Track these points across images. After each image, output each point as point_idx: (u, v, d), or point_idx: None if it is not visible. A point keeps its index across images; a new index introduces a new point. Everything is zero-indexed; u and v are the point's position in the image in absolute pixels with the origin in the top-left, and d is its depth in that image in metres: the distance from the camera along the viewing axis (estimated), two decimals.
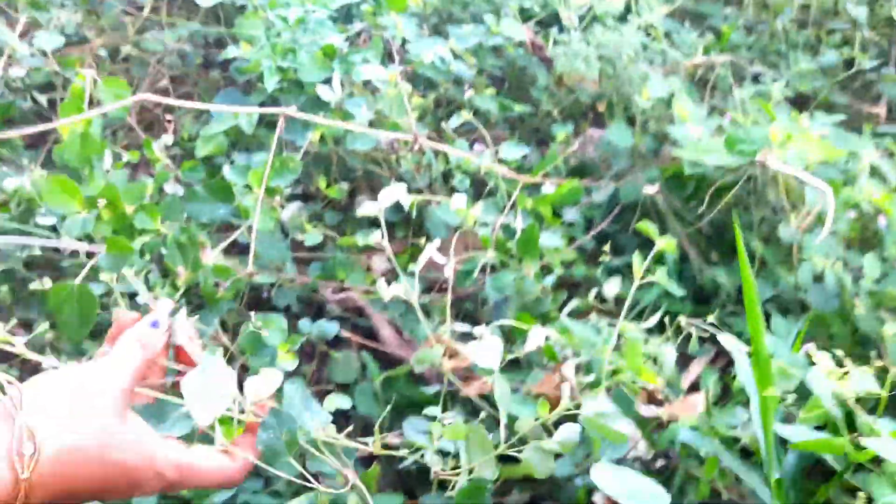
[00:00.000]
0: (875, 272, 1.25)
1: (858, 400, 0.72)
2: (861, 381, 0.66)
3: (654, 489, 0.58)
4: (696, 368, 1.43)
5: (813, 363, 0.72)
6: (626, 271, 1.38)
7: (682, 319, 1.09)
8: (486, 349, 1.02)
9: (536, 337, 1.00)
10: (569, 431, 0.83)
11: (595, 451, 0.97)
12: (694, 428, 1.05)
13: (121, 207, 1.16)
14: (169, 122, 1.48)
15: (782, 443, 0.82)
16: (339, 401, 0.99)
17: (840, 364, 0.82)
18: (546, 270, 1.48)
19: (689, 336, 1.48)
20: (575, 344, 1.08)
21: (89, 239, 1.16)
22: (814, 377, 0.66)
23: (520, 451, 0.87)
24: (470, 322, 1.42)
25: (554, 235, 1.34)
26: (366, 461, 1.13)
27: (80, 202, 1.13)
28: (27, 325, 1.24)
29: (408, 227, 1.48)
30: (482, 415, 1.11)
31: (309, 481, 0.85)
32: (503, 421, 0.94)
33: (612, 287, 1.34)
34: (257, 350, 1.04)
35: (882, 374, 1.20)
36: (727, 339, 0.85)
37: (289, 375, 1.14)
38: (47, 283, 1.05)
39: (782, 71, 1.84)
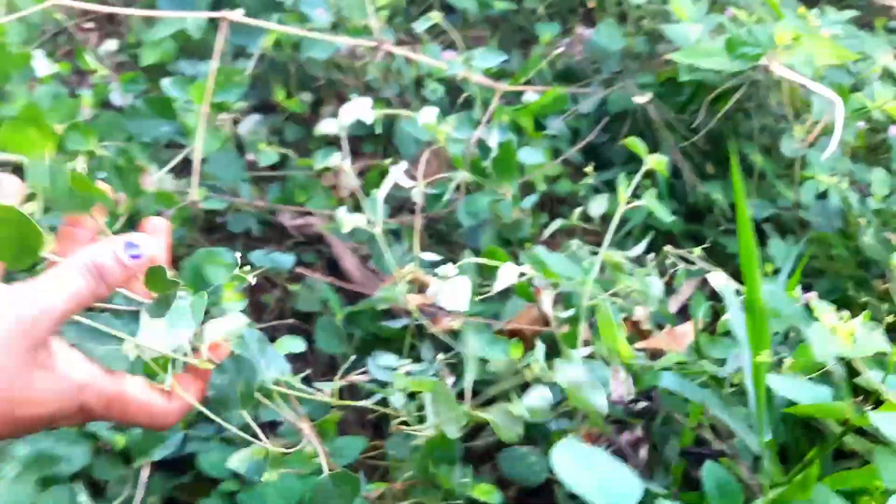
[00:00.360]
0: (883, 189, 1.14)
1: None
2: (869, 339, 0.57)
3: (626, 478, 0.50)
4: (685, 292, 1.34)
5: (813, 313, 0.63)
6: (614, 187, 1.27)
7: (669, 249, 0.99)
8: (452, 290, 0.93)
9: (507, 275, 0.91)
10: (538, 397, 0.75)
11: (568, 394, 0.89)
12: (681, 364, 0.97)
13: (47, 127, 1.04)
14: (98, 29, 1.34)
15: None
16: (293, 344, 0.90)
17: (846, 304, 0.72)
18: (528, 188, 1.37)
19: (682, 257, 1.39)
20: (551, 276, 0.98)
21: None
22: (815, 334, 0.57)
23: (486, 408, 0.79)
24: (444, 248, 1.33)
25: (535, 151, 1.22)
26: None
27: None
28: None
29: (377, 142, 1.36)
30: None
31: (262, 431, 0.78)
32: (469, 381, 0.86)
33: (598, 206, 1.23)
34: (200, 287, 0.94)
35: (886, 300, 1.11)
36: (717, 279, 0.76)
37: (251, 306, 1.05)
38: None
39: None
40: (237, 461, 0.85)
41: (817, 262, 1.23)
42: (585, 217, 1.23)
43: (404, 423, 0.88)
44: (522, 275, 0.95)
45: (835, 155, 1.19)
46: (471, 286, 0.88)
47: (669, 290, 1.29)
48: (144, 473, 0.86)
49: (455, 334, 1.08)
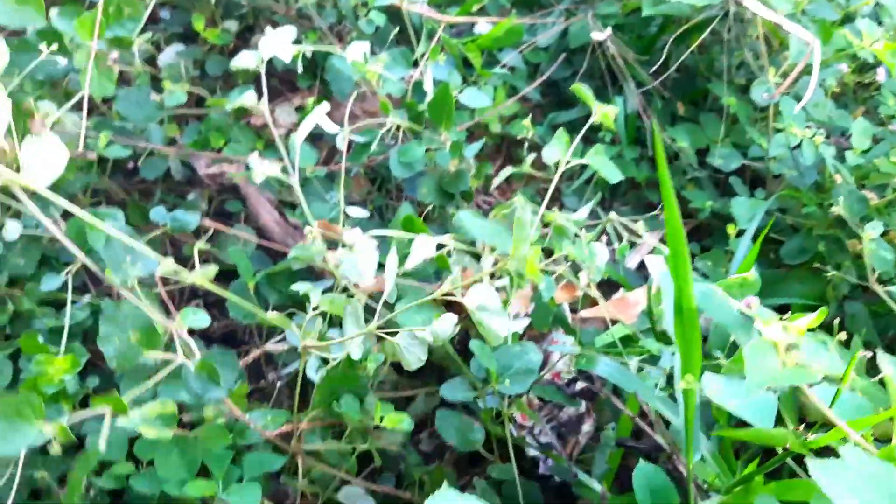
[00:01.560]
0: (864, 142, 1.03)
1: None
2: (817, 356, 0.47)
3: None
4: (647, 244, 1.24)
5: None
6: (575, 126, 1.15)
7: (613, 217, 0.88)
8: (357, 262, 0.83)
9: (422, 248, 0.80)
10: (444, 323, 0.68)
11: (493, 379, 0.80)
12: (627, 339, 0.88)
13: None
14: None
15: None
16: (196, 318, 0.81)
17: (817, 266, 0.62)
18: (482, 131, 1.25)
19: (646, 205, 1.28)
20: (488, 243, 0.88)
21: None
22: (752, 356, 0.47)
23: (392, 336, 0.71)
24: (386, 196, 1.21)
25: (482, 92, 1.09)
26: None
27: None
28: None
29: (313, 77, 1.23)
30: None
31: None
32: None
33: (552, 153, 1.11)
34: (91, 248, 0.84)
35: (858, 267, 1.01)
36: (655, 265, 0.65)
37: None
38: None
39: None
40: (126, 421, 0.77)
41: (789, 218, 1.13)
42: (540, 165, 1.12)
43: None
44: (442, 246, 0.85)
45: (813, 101, 1.07)
46: (376, 258, 0.78)
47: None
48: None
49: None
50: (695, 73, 1.28)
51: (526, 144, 1.18)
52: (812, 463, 0.43)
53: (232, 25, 1.19)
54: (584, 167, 1.27)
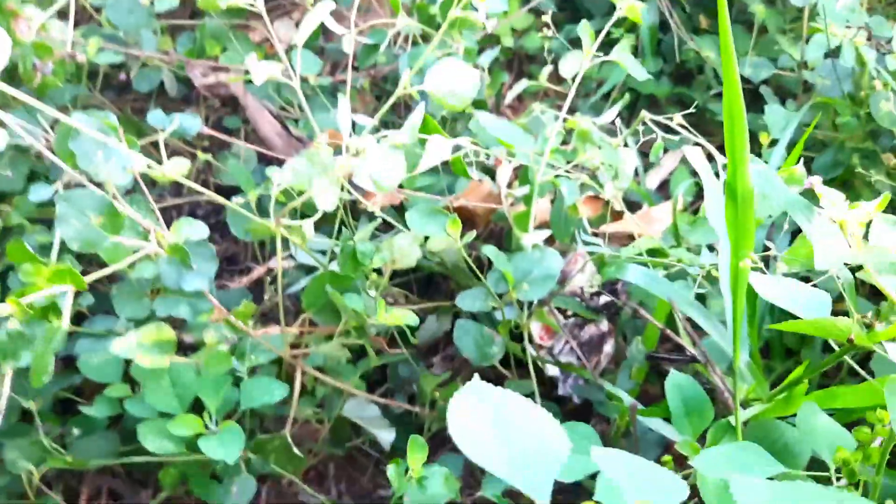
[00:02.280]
0: None
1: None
2: (888, 237, 0.42)
3: (548, 437, 0.36)
4: (666, 165, 1.18)
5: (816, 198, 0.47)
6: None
7: (646, 116, 0.82)
8: (373, 166, 0.77)
9: (438, 149, 0.74)
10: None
11: (510, 286, 0.75)
12: (654, 252, 0.83)
13: None
14: None
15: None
16: (193, 230, 0.75)
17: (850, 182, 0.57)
18: (492, 43, 1.18)
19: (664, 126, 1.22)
20: (507, 146, 0.82)
21: None
22: (817, 233, 0.42)
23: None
24: (394, 111, 1.15)
25: None
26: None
27: None
28: None
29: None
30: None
31: None
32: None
33: (569, 64, 1.05)
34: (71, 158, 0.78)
35: (893, 181, 0.96)
36: (695, 155, 0.60)
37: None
38: None
39: None
40: (120, 347, 0.72)
41: (820, 132, 1.07)
42: (557, 78, 1.05)
43: None
44: (458, 148, 0.79)
45: (849, 5, 1.00)
46: (396, 161, 0.72)
47: (649, 164, 1.13)
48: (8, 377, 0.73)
49: (396, 210, 0.93)
50: None
51: (546, 56, 1.11)
52: (890, 345, 0.38)
53: None
54: (600, 84, 1.21)
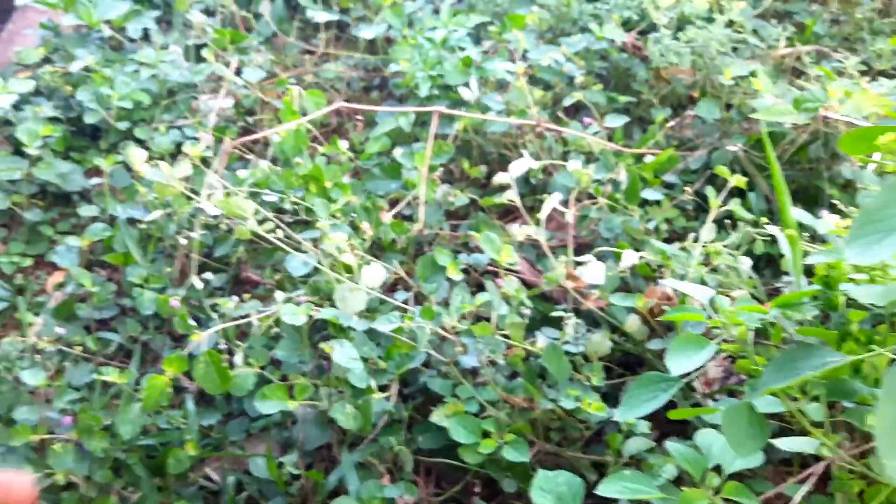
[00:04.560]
0: None
1: None
2: None
3: None
4: None
5: None
6: (720, 224, 1.66)
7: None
8: (593, 268, 1.36)
9: (630, 257, 1.33)
10: None
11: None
12: None
13: (322, 183, 1.59)
14: (352, 126, 1.91)
15: None
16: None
17: None
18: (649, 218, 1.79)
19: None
20: (667, 262, 1.39)
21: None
22: None
23: None
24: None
25: (655, 191, 1.66)
26: None
27: (297, 182, 1.57)
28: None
29: (534, 196, 1.83)
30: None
31: None
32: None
33: (706, 232, 1.64)
34: (430, 273, 1.42)
35: None
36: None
37: None
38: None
39: (861, 54, 2.08)
40: None
41: None
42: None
43: None
44: (641, 257, 1.38)
45: None
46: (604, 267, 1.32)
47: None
48: None
49: (602, 311, 1.49)
50: (804, 183, 1.78)
51: None
52: None
53: (483, 168, 1.83)
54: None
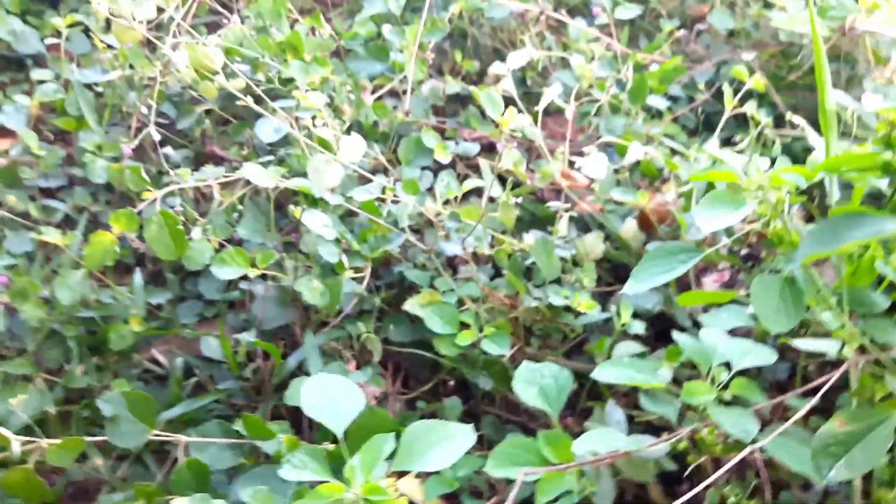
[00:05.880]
0: None
1: None
2: None
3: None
4: None
5: None
6: (721, 145, 1.55)
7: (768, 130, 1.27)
8: (593, 161, 1.24)
9: (636, 150, 1.21)
10: None
11: None
12: None
13: (301, 53, 1.44)
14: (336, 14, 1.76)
15: None
16: None
17: None
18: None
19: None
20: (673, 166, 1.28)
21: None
22: None
23: None
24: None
25: (659, 98, 1.54)
26: None
27: (273, 48, 1.42)
28: None
29: (529, 99, 1.70)
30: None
31: None
32: None
33: (712, 146, 1.52)
34: (413, 156, 1.29)
35: None
36: None
37: None
38: None
39: None
40: None
41: None
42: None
43: None
44: (647, 153, 1.26)
45: None
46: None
47: None
48: None
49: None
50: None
51: None
52: None
53: (476, 63, 1.69)
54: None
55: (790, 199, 0.76)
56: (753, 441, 0.79)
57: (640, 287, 0.75)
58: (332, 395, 0.80)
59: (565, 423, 1.21)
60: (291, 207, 1.11)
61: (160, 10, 1.24)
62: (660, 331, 1.27)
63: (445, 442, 0.76)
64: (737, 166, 0.77)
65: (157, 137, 1.26)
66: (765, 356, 0.89)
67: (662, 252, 0.76)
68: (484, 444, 1.18)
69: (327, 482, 0.72)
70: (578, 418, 1.22)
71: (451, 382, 1.22)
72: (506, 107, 1.51)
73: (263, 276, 1.19)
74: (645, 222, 1.32)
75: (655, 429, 1.09)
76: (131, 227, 1.05)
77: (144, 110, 1.45)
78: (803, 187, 0.73)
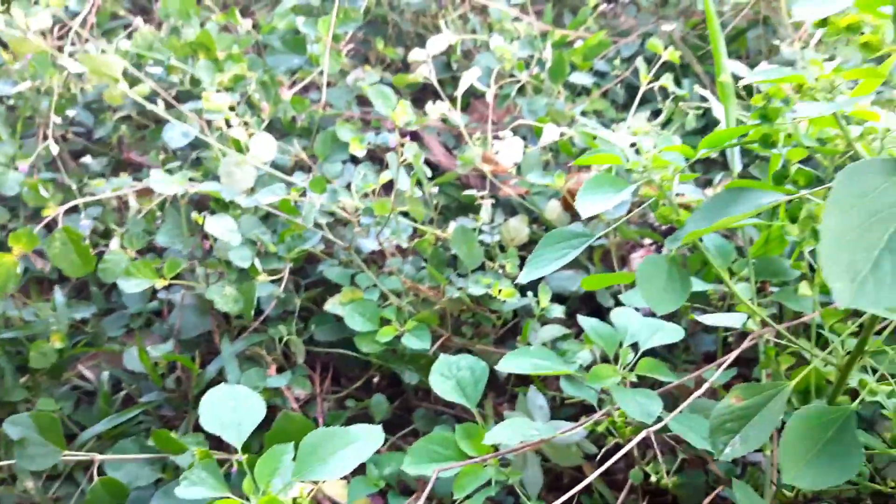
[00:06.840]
0: None
1: None
2: None
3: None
4: None
5: None
6: (651, 118, 1.54)
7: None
8: (510, 145, 1.23)
9: (551, 132, 1.20)
10: None
11: None
12: None
13: (214, 53, 1.41)
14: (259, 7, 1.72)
15: None
16: None
17: None
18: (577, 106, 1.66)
19: None
20: (592, 144, 1.27)
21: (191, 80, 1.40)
22: None
23: None
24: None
25: (584, 75, 1.52)
26: None
27: (182, 50, 1.38)
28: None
29: (453, 83, 1.68)
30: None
31: None
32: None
33: (637, 120, 1.51)
34: (330, 151, 1.27)
35: None
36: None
37: None
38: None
39: None
40: None
41: None
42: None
43: None
44: (562, 134, 1.25)
45: None
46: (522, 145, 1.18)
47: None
48: None
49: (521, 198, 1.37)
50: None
51: None
52: None
53: (399, 50, 1.67)
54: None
55: (679, 177, 0.75)
56: (658, 420, 0.78)
57: (534, 274, 0.73)
58: (232, 406, 0.78)
59: (499, 411, 1.21)
60: (194, 214, 1.09)
61: (58, 21, 1.20)
62: (592, 310, 1.26)
63: (348, 447, 0.75)
64: (625, 146, 0.76)
65: (57, 148, 1.22)
66: (673, 334, 0.88)
67: (555, 238, 0.75)
68: (418, 438, 1.17)
69: (226, 497, 0.71)
70: (510, 404, 1.21)
71: (380, 379, 1.21)
72: (430, 95, 1.50)
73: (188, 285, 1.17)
74: (569, 204, 1.31)
75: (587, 410, 1.09)
76: (31, 246, 1.02)
77: (59, 121, 1.41)
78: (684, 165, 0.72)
